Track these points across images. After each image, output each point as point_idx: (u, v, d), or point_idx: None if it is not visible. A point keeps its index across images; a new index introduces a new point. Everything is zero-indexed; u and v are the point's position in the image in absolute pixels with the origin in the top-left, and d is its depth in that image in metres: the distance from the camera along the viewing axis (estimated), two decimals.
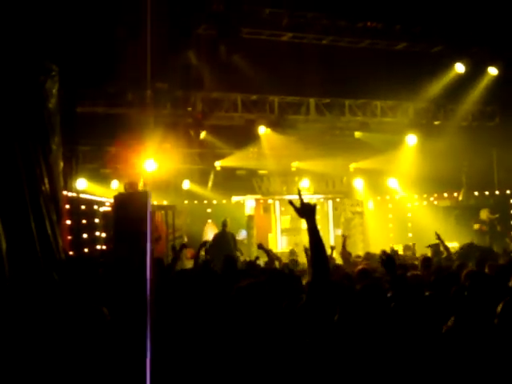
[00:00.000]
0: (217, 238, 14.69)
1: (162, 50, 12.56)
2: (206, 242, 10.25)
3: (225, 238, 14.56)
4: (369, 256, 10.83)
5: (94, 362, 3.42)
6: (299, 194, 3.89)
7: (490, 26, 14.84)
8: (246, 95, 15.68)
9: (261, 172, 18.34)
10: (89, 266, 7.99)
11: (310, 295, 3.82)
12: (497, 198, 17.62)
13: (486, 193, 17.87)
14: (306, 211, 3.75)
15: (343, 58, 14.56)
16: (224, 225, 14.83)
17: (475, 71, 15.81)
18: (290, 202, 3.91)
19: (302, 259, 10.28)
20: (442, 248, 10.45)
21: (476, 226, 15.88)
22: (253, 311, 3.25)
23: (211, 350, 3.54)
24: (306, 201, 3.77)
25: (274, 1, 13.37)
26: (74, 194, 12.23)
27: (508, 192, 17.44)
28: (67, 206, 11.06)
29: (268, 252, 9.69)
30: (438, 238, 10.25)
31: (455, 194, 18.54)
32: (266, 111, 15.96)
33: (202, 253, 9.81)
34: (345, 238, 10.69)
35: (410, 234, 17.53)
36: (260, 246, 9.79)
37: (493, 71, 15.77)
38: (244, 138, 16.68)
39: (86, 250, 12.05)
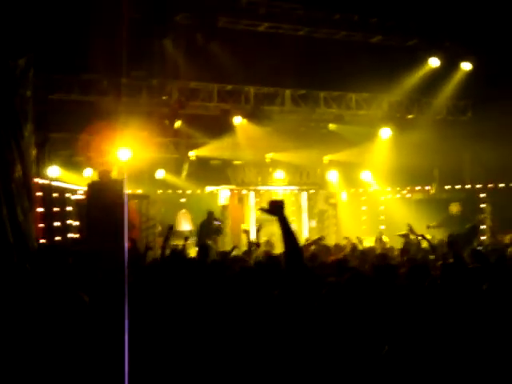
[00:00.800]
0: (204, 225, 15.49)
1: (138, 38, 12.45)
2: (172, 226, 10.13)
3: (211, 226, 15.62)
4: (338, 247, 11.11)
5: (73, 349, 3.41)
6: (263, 209, 3.96)
7: (463, 22, 15.01)
8: (221, 85, 15.64)
9: (235, 162, 18.33)
10: (60, 254, 7.94)
11: (285, 284, 3.86)
12: (467, 192, 17.88)
13: (457, 187, 18.11)
14: (275, 208, 3.82)
15: (319, 49, 14.59)
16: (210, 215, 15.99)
17: (449, 66, 15.99)
18: (261, 209, 4.01)
19: (278, 250, 10.35)
20: (413, 237, 10.57)
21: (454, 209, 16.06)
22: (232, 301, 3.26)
23: (191, 338, 3.55)
24: (272, 199, 3.89)
25: None
26: (47, 182, 12.08)
27: (478, 186, 17.70)
28: (39, 194, 10.93)
29: (249, 241, 9.74)
30: (410, 229, 10.40)
31: (427, 188, 18.77)
32: (242, 102, 15.95)
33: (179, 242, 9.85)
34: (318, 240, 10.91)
35: (383, 227, 17.69)
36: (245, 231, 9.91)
37: (466, 66, 15.97)
38: (219, 128, 16.65)
39: (57, 238, 11.93)
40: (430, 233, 12.88)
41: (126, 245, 7.14)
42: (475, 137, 17.12)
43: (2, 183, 7.63)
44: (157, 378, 3.80)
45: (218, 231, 15.91)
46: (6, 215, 7.56)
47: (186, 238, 9.70)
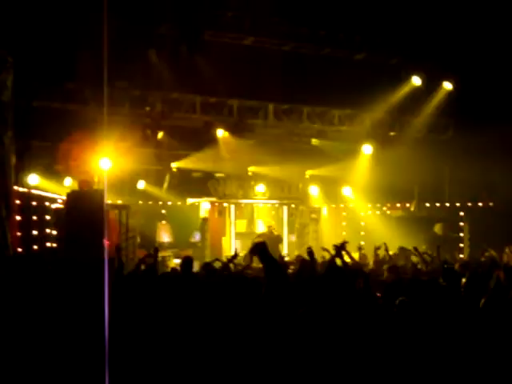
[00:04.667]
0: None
1: (122, 48, 12.42)
2: (157, 249, 10.09)
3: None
4: (299, 258, 11.31)
5: (50, 356, 3.35)
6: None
7: (445, 42, 15.23)
8: (205, 97, 15.62)
9: (217, 175, 18.30)
10: (37, 263, 7.82)
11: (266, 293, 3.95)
12: (447, 210, 18.00)
13: (437, 204, 18.24)
14: (257, 250, 4.37)
15: (304, 65, 14.68)
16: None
17: (431, 84, 16.16)
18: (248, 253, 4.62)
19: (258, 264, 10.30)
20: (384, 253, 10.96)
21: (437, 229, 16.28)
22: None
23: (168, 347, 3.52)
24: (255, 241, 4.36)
25: (237, 4, 13.39)
26: (26, 190, 11.94)
27: (458, 204, 17.83)
28: (18, 202, 10.79)
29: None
30: (385, 249, 10.86)
31: (407, 205, 18.88)
32: (225, 114, 15.94)
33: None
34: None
35: (363, 242, 17.72)
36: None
37: (448, 85, 16.15)
38: (201, 140, 16.61)
39: (35, 247, 11.78)
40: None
41: (106, 254, 7.07)
42: (456, 155, 17.29)
43: None
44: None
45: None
46: None
47: (156, 250, 9.53)
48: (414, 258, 10.77)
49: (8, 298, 4.78)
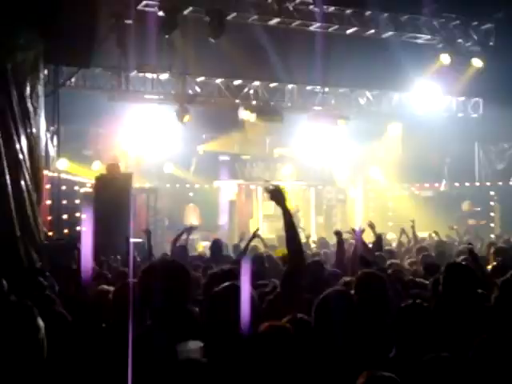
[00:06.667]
0: None
1: (149, 31, 12.43)
2: (190, 228, 10.20)
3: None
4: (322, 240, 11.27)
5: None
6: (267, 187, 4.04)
7: (471, 18, 15.02)
8: (230, 80, 15.59)
9: (244, 157, 18.32)
10: (67, 247, 7.96)
11: (286, 278, 3.89)
12: (477, 189, 17.79)
13: (467, 184, 18.03)
14: (275, 195, 3.90)
15: (330, 45, 14.49)
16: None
17: (460, 62, 15.86)
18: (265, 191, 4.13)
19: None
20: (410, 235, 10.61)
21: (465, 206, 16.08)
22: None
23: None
24: (271, 187, 3.95)
25: None
26: (55, 174, 12.10)
27: (488, 184, 17.60)
28: (48, 186, 10.95)
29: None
30: (412, 227, 10.49)
31: (436, 185, 18.69)
32: (251, 97, 15.89)
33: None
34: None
35: (391, 223, 17.64)
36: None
37: (477, 63, 15.85)
38: (227, 123, 16.62)
39: (65, 230, 11.96)
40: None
41: (130, 238, 7.16)
42: (485, 134, 17.04)
43: (11, 176, 7.65)
44: None
45: None
46: (14, 208, 7.58)
47: (190, 229, 9.62)
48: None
49: (42, 283, 4.87)
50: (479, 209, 17.05)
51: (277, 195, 3.90)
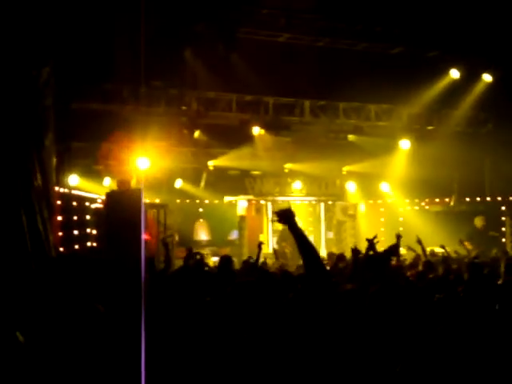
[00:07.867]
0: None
1: (159, 48, 12.51)
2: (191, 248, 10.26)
3: None
4: (332, 256, 11.13)
5: (89, 359, 3.38)
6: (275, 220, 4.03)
7: (485, 34, 14.92)
8: (240, 95, 15.64)
9: (254, 173, 18.30)
10: (80, 263, 7.94)
11: (303, 289, 3.85)
12: (488, 204, 17.68)
13: (478, 199, 17.92)
14: (284, 217, 3.84)
15: (339, 60, 14.56)
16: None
17: (470, 77, 15.86)
18: (272, 221, 4.15)
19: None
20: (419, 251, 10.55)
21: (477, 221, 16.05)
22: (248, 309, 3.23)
23: (206, 348, 3.51)
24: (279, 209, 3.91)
25: (272, 1, 13.35)
26: (66, 190, 12.14)
27: (499, 199, 17.49)
28: (59, 202, 10.97)
29: (259, 254, 9.74)
30: (418, 241, 10.45)
31: (446, 200, 18.59)
32: (261, 112, 15.92)
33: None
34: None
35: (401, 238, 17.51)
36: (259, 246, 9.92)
37: (487, 78, 15.83)
38: (238, 138, 16.63)
39: (76, 246, 11.97)
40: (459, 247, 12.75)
41: (143, 254, 7.13)
42: (495, 149, 16.95)
43: (22, 192, 7.66)
44: None
45: None
46: (25, 224, 7.58)
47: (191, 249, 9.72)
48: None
49: (52, 297, 4.85)
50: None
51: (285, 217, 3.82)
